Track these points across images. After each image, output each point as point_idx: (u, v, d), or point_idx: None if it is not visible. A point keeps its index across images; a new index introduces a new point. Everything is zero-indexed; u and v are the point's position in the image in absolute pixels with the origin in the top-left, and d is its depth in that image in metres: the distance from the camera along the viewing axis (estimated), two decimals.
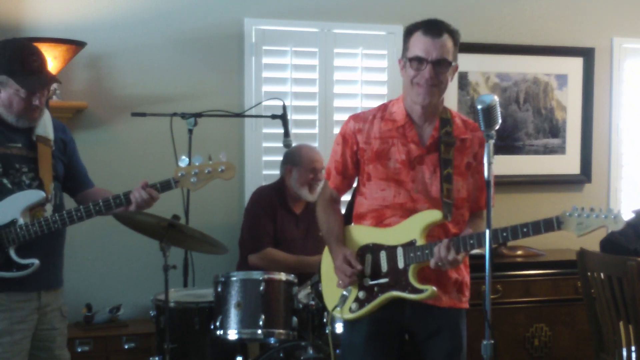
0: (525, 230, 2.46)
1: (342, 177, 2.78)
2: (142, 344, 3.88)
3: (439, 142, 2.65)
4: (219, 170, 2.76)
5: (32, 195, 2.67)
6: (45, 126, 2.80)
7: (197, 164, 2.74)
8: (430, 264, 2.54)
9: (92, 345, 3.84)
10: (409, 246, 2.60)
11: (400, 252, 2.61)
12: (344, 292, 2.66)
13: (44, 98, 2.72)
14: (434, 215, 2.60)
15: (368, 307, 2.64)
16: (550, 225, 2.43)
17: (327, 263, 2.80)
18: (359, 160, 2.73)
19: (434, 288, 2.56)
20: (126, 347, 3.88)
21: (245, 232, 3.87)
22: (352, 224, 2.79)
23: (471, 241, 2.51)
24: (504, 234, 2.48)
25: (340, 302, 2.66)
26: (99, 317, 3.98)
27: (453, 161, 2.64)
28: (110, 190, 2.92)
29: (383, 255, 2.65)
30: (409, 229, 2.61)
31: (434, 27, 2.62)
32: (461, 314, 2.73)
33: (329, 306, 2.74)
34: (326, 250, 2.82)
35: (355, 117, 2.77)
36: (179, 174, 2.73)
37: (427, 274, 2.61)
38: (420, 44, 2.60)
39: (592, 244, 3.95)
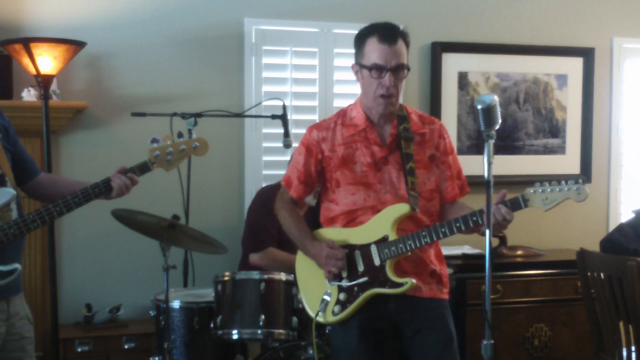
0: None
1: (304, 185, 2.82)
2: (142, 344, 3.88)
3: (399, 138, 2.71)
4: (193, 146, 2.70)
5: (2, 195, 2.43)
6: None
7: (169, 142, 2.67)
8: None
9: (92, 345, 3.84)
10: (382, 242, 2.64)
11: (374, 249, 2.66)
12: (325, 297, 2.70)
13: None
14: (401, 208, 2.65)
15: (350, 308, 2.67)
16: (517, 204, 2.51)
17: (302, 269, 2.83)
18: (325, 168, 2.77)
19: (413, 280, 2.61)
20: (126, 347, 3.88)
21: (247, 230, 3.86)
22: (322, 228, 2.82)
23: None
24: (474, 218, 2.53)
25: (322, 307, 2.69)
26: (99, 317, 3.98)
27: (414, 155, 2.71)
28: (63, 177, 2.77)
29: (358, 254, 2.69)
30: (380, 226, 2.66)
31: (389, 34, 2.65)
32: (444, 305, 2.77)
33: (311, 312, 2.76)
34: (300, 257, 2.84)
35: (317, 127, 2.82)
36: (154, 155, 2.66)
37: (404, 267, 2.67)
38: (377, 52, 2.64)
39: (592, 244, 3.95)
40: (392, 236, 2.63)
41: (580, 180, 2.46)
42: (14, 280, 2.48)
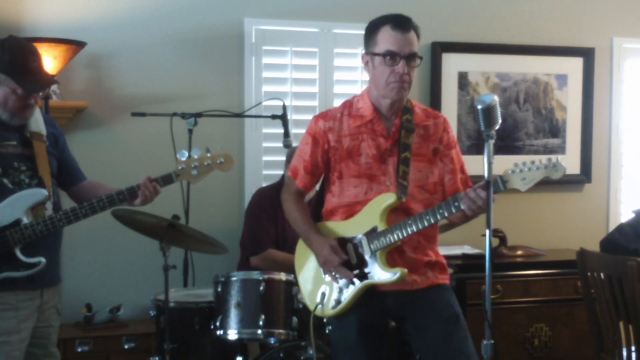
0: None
1: (310, 176, 2.81)
2: (142, 344, 3.89)
3: (401, 128, 2.71)
4: (218, 162, 2.79)
5: (35, 195, 2.67)
6: (37, 122, 2.79)
7: (195, 156, 2.77)
8: (467, 210, 2.50)
9: (92, 345, 3.84)
10: (372, 233, 2.64)
11: (364, 241, 2.66)
12: (323, 290, 2.71)
13: (38, 97, 2.73)
14: (388, 198, 2.64)
15: (347, 301, 2.67)
16: (496, 186, 2.46)
17: (301, 262, 2.83)
18: (330, 159, 2.76)
19: (405, 269, 2.60)
20: (126, 347, 3.88)
21: (246, 233, 3.86)
22: (319, 223, 2.82)
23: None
24: (455, 203, 2.52)
25: (320, 301, 2.71)
26: (99, 317, 3.98)
27: (412, 146, 2.70)
28: (104, 184, 2.96)
29: (350, 248, 2.69)
30: (369, 217, 2.66)
31: (402, 22, 2.66)
32: (443, 288, 2.76)
33: (310, 305, 2.77)
34: (299, 250, 2.84)
35: (324, 116, 2.80)
36: (180, 167, 2.76)
37: (396, 260, 2.66)
38: (391, 39, 2.64)
39: (592, 244, 3.95)
40: (382, 227, 2.63)
41: (558, 157, 2.45)
42: (47, 272, 2.68)
